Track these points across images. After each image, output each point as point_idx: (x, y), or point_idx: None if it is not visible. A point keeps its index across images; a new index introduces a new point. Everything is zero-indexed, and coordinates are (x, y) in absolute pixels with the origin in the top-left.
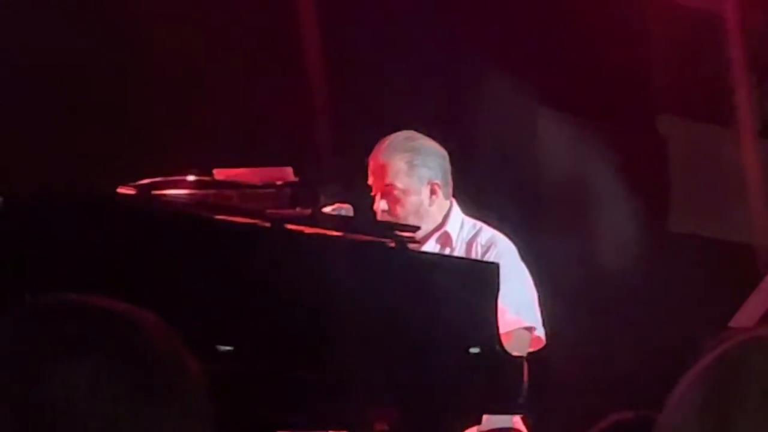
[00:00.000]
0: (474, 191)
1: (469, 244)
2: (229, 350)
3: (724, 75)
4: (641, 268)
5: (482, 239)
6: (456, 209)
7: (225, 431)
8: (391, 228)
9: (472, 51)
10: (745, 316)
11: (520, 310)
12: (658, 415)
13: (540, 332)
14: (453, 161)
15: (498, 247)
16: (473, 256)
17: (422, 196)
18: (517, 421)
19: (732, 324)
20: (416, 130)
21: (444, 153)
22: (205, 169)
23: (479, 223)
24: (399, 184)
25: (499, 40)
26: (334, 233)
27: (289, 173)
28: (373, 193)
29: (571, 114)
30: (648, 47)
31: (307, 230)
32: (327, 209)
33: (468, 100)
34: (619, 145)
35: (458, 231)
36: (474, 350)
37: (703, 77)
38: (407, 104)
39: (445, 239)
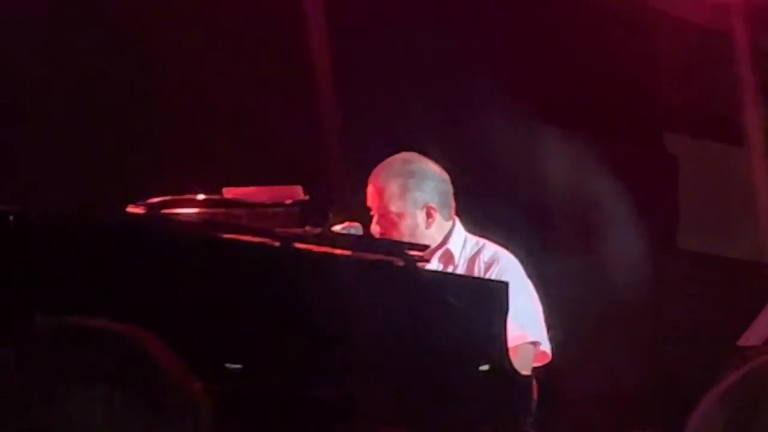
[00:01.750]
0: (482, 210)
1: (472, 261)
2: (237, 368)
3: (733, 93)
4: (650, 286)
5: (485, 256)
6: (459, 228)
7: None
8: (400, 247)
9: (480, 70)
10: (755, 334)
11: (524, 324)
12: None
13: (546, 347)
14: (461, 180)
15: (501, 263)
16: (476, 272)
17: (417, 219)
18: None
19: (741, 342)
20: (424, 148)
21: (443, 176)
22: (214, 188)
23: (482, 240)
24: (393, 208)
25: (508, 59)
26: (344, 252)
27: (298, 192)
28: (372, 213)
29: (580, 132)
30: (657, 65)
31: (317, 249)
32: (336, 228)
33: (476, 118)
34: (628, 164)
35: (461, 249)
36: (483, 368)
37: (712, 95)
38: (415, 123)
39: (448, 257)
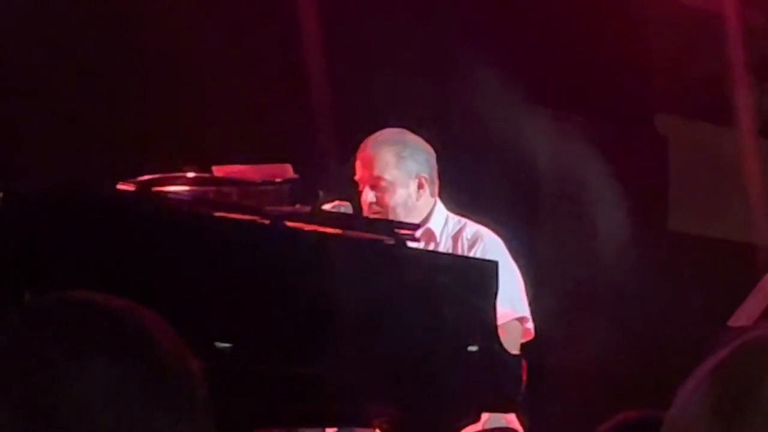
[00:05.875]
0: (471, 192)
1: (455, 240)
2: (227, 347)
3: (723, 74)
4: (640, 267)
5: (467, 234)
6: (440, 206)
7: (223, 428)
8: (390, 226)
9: (469, 49)
10: (744, 315)
11: (511, 300)
12: (664, 413)
13: (530, 324)
14: (449, 160)
15: (484, 241)
16: (459, 250)
17: (410, 189)
18: (512, 420)
19: (731, 322)
20: (414, 126)
21: (431, 151)
22: (204, 166)
23: (464, 219)
24: (387, 176)
25: (497, 38)
26: (334, 231)
27: (288, 170)
28: (360, 187)
29: (571, 113)
30: (647, 45)
31: (307, 227)
32: (326, 206)
33: (465, 98)
34: (619, 144)
35: (442, 227)
36: (472, 348)
37: (703, 76)
38: (405, 102)
39: (429, 236)
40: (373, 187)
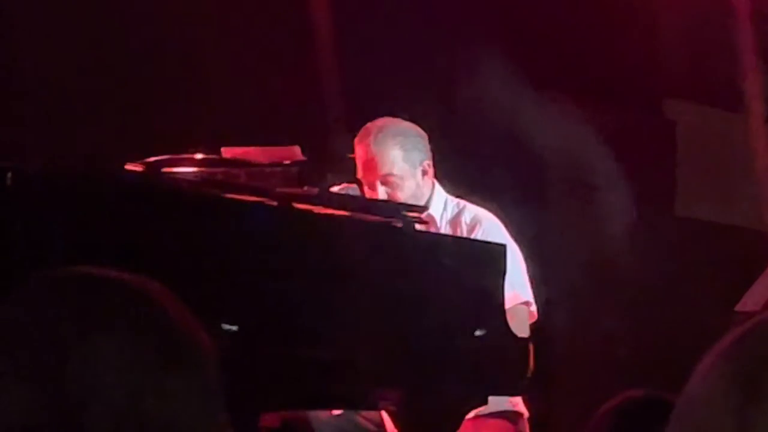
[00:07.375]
0: (479, 177)
1: (454, 224)
2: (234, 329)
3: (733, 59)
4: (647, 252)
5: (466, 218)
6: (438, 189)
7: (231, 411)
8: (398, 208)
9: (476, 32)
10: (751, 300)
11: (514, 285)
12: (667, 394)
13: (533, 307)
14: (456, 145)
15: (483, 225)
16: (458, 235)
17: (417, 178)
18: (517, 402)
19: (738, 307)
20: (422, 109)
21: (425, 134)
22: (213, 148)
23: (463, 202)
24: (396, 171)
25: (504, 22)
26: (341, 213)
27: (297, 152)
28: (366, 184)
29: (579, 98)
30: (656, 30)
31: (314, 209)
32: (334, 189)
33: (472, 81)
34: (627, 129)
35: (441, 211)
36: (480, 332)
37: (712, 61)
38: (412, 84)
39: (430, 221)
40: (384, 184)
